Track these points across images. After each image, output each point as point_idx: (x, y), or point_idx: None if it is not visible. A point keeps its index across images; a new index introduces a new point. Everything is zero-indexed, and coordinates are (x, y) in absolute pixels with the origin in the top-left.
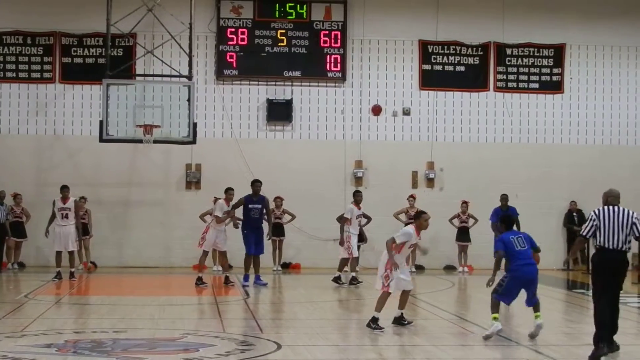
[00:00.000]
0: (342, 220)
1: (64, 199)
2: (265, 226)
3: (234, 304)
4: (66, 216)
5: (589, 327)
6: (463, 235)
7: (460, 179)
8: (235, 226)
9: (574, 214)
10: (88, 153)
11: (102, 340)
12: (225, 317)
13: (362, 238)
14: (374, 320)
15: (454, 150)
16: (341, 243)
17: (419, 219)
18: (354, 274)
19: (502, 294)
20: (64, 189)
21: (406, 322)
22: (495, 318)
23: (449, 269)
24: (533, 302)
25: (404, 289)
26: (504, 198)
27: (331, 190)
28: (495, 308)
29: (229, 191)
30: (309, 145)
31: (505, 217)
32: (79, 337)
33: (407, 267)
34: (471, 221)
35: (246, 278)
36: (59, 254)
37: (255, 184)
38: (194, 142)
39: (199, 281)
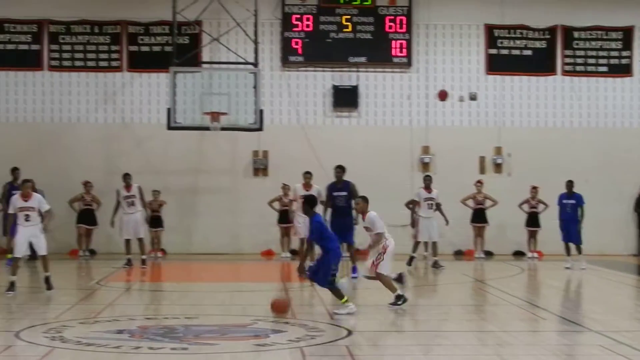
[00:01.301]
0: (412, 203)
1: (128, 186)
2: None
3: (302, 290)
4: (132, 203)
5: None
6: (533, 220)
7: (528, 164)
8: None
9: None
10: (156, 141)
11: (174, 327)
12: (295, 303)
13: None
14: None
15: (522, 135)
16: (412, 226)
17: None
18: (435, 258)
19: None
20: (127, 176)
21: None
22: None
23: (518, 254)
24: None
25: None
26: (569, 184)
27: (398, 176)
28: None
29: (306, 175)
30: (375, 131)
31: None
32: (151, 323)
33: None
34: (541, 207)
35: (354, 270)
36: (127, 241)
37: (336, 169)
38: (260, 129)
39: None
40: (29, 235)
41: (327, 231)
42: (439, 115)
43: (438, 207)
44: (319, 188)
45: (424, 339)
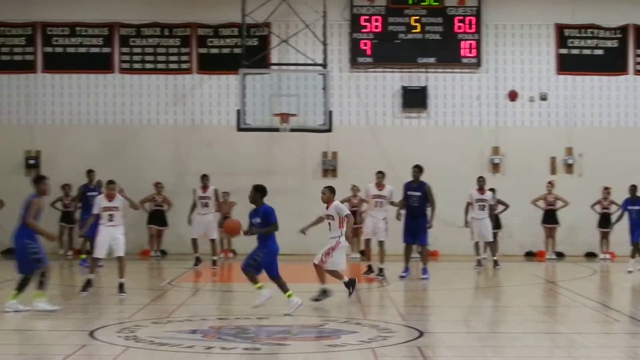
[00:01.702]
0: (466, 205)
1: (204, 187)
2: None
3: (373, 291)
4: (206, 205)
5: None
6: (604, 221)
7: (600, 165)
8: (397, 218)
9: None
10: (225, 142)
11: (246, 327)
12: (365, 304)
13: (497, 225)
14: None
15: (593, 135)
16: (467, 226)
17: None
18: (495, 258)
19: None
20: (204, 178)
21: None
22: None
23: (590, 256)
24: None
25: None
26: (633, 189)
27: (467, 177)
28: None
29: (378, 174)
30: (445, 132)
31: None
32: (223, 323)
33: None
34: (613, 207)
35: (406, 270)
36: (194, 240)
37: (413, 169)
38: (329, 130)
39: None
40: (110, 236)
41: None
42: (509, 115)
43: (504, 209)
44: (391, 188)
45: (496, 340)
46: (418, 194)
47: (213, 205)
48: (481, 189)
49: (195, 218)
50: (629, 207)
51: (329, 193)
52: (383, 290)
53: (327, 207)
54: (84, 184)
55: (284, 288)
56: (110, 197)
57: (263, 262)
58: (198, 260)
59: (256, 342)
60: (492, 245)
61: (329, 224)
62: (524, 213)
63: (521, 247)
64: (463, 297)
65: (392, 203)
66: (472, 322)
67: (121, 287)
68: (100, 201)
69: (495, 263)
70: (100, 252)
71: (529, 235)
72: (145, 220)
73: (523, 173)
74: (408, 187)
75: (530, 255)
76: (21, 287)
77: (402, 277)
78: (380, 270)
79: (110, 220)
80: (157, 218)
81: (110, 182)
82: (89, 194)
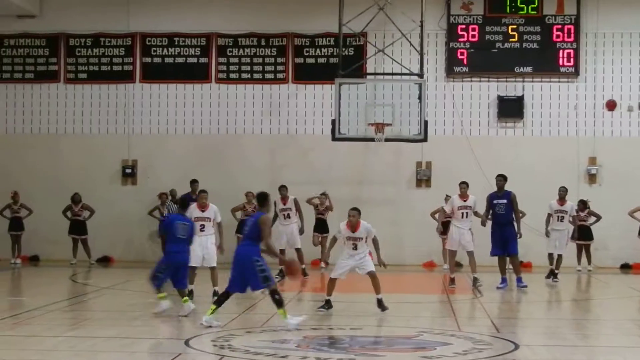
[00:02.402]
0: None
1: (284, 198)
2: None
3: (467, 302)
4: (288, 216)
5: None
6: None
7: None
8: (483, 224)
9: None
10: (320, 152)
11: (340, 337)
12: (459, 315)
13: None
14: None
15: None
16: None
17: (348, 215)
18: (556, 271)
19: None
20: (282, 189)
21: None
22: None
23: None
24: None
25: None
26: None
27: None
28: None
29: (462, 185)
30: (541, 142)
31: None
32: (317, 333)
33: (349, 256)
34: None
35: (503, 280)
36: (281, 252)
37: (497, 178)
38: (425, 139)
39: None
40: (202, 245)
41: (172, 230)
42: (606, 125)
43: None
44: (475, 198)
45: (594, 354)
46: (504, 201)
47: (294, 215)
48: (562, 199)
49: (278, 229)
50: None
51: (358, 216)
52: (476, 302)
53: (355, 230)
54: (187, 193)
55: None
56: (202, 207)
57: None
58: (281, 272)
59: (350, 352)
60: (560, 259)
61: (355, 245)
62: (621, 225)
63: (615, 260)
64: (557, 309)
65: (476, 213)
66: (568, 334)
67: (215, 294)
68: (192, 211)
69: (555, 276)
70: (194, 260)
71: (625, 248)
72: (235, 229)
73: (620, 184)
74: (493, 196)
75: (626, 267)
76: (220, 303)
77: (499, 288)
78: (475, 279)
79: (202, 230)
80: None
81: (203, 192)
82: (192, 203)
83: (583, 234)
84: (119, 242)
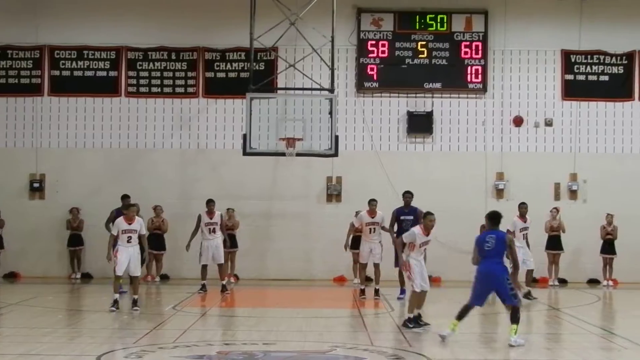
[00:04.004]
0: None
1: (210, 213)
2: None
3: (379, 316)
4: (214, 230)
5: None
6: (608, 248)
7: (604, 191)
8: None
9: None
10: (231, 166)
11: (254, 352)
12: (371, 329)
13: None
14: (409, 320)
15: (598, 161)
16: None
17: (424, 219)
18: (527, 289)
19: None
20: (210, 202)
21: (422, 323)
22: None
23: (593, 282)
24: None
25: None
26: None
27: (471, 203)
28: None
29: (371, 202)
30: (450, 157)
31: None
32: (230, 348)
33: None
34: (616, 234)
35: (402, 292)
36: (204, 267)
37: (406, 195)
38: (335, 154)
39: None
40: (129, 255)
41: None
42: (513, 141)
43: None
44: (383, 215)
45: None
46: (411, 217)
47: (219, 230)
48: (523, 216)
49: (203, 244)
50: None
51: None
52: (388, 316)
53: (429, 234)
54: (117, 208)
55: None
56: (130, 220)
57: None
58: (204, 287)
59: None
60: (530, 274)
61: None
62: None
63: (522, 273)
64: (468, 323)
65: (383, 228)
66: (479, 348)
67: (135, 303)
68: (120, 224)
69: (530, 294)
70: (121, 269)
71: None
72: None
73: (527, 199)
74: (400, 212)
75: (532, 281)
76: (461, 317)
77: (399, 298)
78: (377, 290)
79: (129, 242)
80: (155, 242)
81: (131, 205)
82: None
83: None
84: (26, 257)
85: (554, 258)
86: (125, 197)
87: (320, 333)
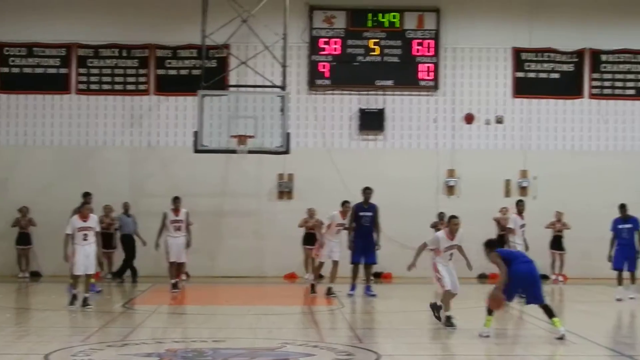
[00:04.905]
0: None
1: (176, 210)
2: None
3: (329, 313)
4: (179, 228)
5: None
6: (557, 244)
7: (554, 188)
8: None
9: None
10: (182, 163)
11: (203, 350)
12: (322, 326)
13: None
14: (448, 318)
15: (548, 158)
16: None
17: (449, 222)
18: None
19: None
20: (176, 200)
21: (451, 324)
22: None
23: (542, 278)
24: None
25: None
26: (623, 208)
27: (423, 199)
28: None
29: (345, 204)
30: (401, 155)
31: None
32: (180, 346)
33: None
34: (566, 229)
35: (353, 287)
36: (172, 265)
37: (366, 191)
38: (287, 152)
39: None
40: (86, 254)
41: None
42: (465, 138)
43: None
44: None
45: None
46: (370, 214)
47: (184, 228)
48: (521, 213)
49: (168, 241)
50: (620, 226)
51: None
52: (339, 313)
53: (454, 238)
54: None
55: None
56: (84, 217)
57: None
58: (176, 285)
59: None
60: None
61: (452, 254)
62: (478, 236)
63: (474, 270)
64: (418, 319)
65: (346, 228)
66: (429, 344)
67: (85, 301)
68: (74, 222)
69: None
70: (79, 269)
71: (482, 258)
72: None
73: (478, 195)
74: (359, 208)
75: (483, 277)
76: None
77: (350, 294)
78: (329, 289)
79: (85, 240)
80: (106, 241)
81: (86, 203)
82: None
83: None
84: None
85: None
86: (87, 195)
87: (270, 330)
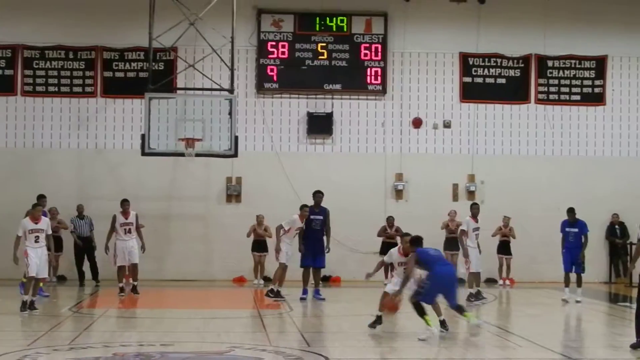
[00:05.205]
0: (461, 233)
1: (125, 213)
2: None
3: (277, 317)
4: (129, 231)
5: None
6: (504, 248)
7: (501, 192)
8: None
9: (616, 226)
10: (129, 167)
11: (150, 354)
12: (270, 330)
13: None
14: (471, 295)
15: (495, 162)
16: (465, 255)
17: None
18: (476, 289)
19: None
20: (125, 202)
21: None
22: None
23: (490, 282)
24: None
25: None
26: (571, 212)
27: (371, 204)
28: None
29: (304, 208)
30: (350, 159)
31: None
32: (127, 350)
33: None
34: (513, 234)
35: (304, 292)
36: (121, 268)
37: (317, 195)
38: (235, 155)
39: (271, 293)
40: (37, 256)
41: None
42: (412, 142)
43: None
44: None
45: None
46: (320, 217)
47: (134, 230)
48: (475, 217)
49: (117, 245)
50: (567, 229)
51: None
52: (287, 316)
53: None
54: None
55: None
56: (36, 220)
57: None
58: (123, 290)
59: None
60: (477, 276)
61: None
62: (426, 240)
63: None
64: (366, 323)
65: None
66: (377, 347)
67: (32, 304)
68: (26, 224)
69: (478, 295)
70: (33, 270)
71: None
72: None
73: (426, 199)
74: (311, 211)
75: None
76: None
77: (302, 298)
78: (278, 292)
79: (37, 242)
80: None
81: (38, 205)
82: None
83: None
84: None
85: (452, 258)
86: (42, 197)
87: (218, 334)
